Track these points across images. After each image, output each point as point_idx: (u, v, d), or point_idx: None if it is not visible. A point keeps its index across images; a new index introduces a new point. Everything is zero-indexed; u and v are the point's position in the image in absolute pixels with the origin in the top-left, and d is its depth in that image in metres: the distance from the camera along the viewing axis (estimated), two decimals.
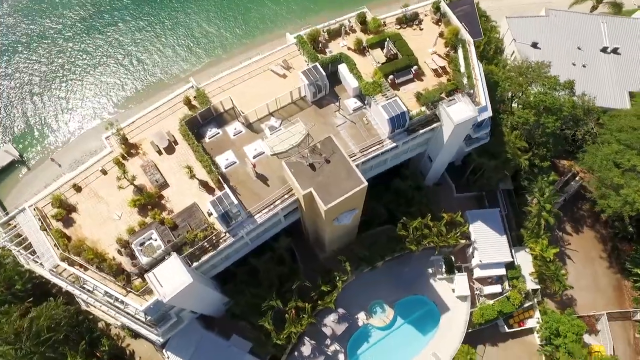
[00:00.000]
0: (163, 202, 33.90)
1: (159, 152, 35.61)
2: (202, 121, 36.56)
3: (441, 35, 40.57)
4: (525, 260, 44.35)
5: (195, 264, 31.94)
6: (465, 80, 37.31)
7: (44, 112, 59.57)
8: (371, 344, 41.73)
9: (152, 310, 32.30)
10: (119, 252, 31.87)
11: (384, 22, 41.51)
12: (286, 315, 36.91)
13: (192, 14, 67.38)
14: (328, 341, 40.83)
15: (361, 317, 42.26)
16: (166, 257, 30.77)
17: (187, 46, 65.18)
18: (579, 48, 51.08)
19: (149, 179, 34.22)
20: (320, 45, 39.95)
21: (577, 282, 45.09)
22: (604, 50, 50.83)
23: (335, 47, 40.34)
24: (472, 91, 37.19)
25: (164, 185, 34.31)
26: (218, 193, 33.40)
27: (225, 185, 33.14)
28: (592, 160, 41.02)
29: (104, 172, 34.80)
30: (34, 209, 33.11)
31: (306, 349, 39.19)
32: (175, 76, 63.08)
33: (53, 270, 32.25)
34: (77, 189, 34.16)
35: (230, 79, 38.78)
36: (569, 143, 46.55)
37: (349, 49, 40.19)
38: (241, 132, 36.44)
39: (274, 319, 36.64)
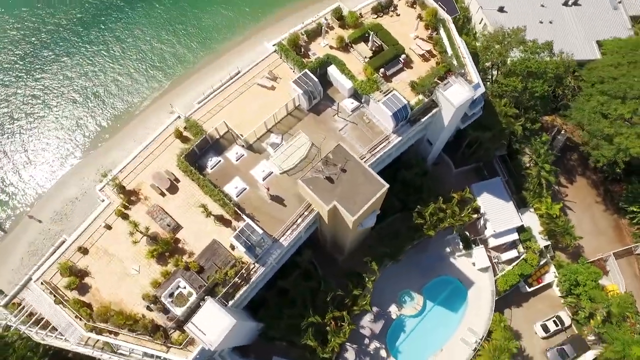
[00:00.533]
0: (180, 245, 32.31)
1: (162, 194, 33.68)
2: (199, 152, 34.78)
3: (420, 18, 40.31)
4: (532, 220, 46.28)
5: (231, 302, 30.86)
6: (455, 62, 37.38)
7: (2, 169, 54.59)
8: (408, 333, 42.54)
9: None
10: (148, 308, 30.23)
11: (360, 14, 40.66)
12: (327, 327, 36.72)
13: (141, 35, 62.81)
14: (367, 341, 41.21)
15: (393, 310, 42.82)
16: (201, 303, 29.50)
17: (144, 69, 61.15)
18: (542, 5, 52.51)
19: (160, 225, 32.43)
20: (302, 49, 38.64)
21: (580, 230, 47.52)
22: (566, 3, 52.55)
23: (317, 48, 39.26)
24: (463, 70, 37.43)
25: (177, 227, 32.63)
26: (236, 224, 32.41)
27: (243, 216, 31.96)
28: (580, 115, 42.86)
29: (109, 227, 32.60)
30: (42, 283, 30.61)
31: (350, 355, 39.47)
32: (139, 103, 59.37)
33: (80, 343, 30.18)
34: (84, 251, 31.89)
35: (218, 101, 37.04)
36: (550, 100, 48.29)
37: (331, 47, 39.21)
38: (243, 155, 35.04)
39: (314, 333, 36.37)
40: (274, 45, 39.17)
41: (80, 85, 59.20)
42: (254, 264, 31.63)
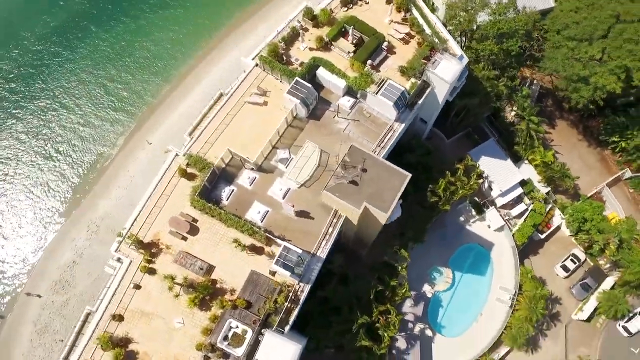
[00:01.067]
0: (219, 285, 31.31)
1: (184, 238, 32.35)
2: (210, 186, 33.48)
3: (390, 1, 40.49)
4: (529, 171, 48.59)
5: (287, 328, 30.38)
6: (435, 39, 38.00)
7: None
8: (446, 307, 43.88)
9: None
10: (206, 357, 29.17)
11: (331, 10, 40.25)
12: (376, 324, 37.12)
13: (90, 78, 57.81)
14: (411, 325, 42.09)
15: (427, 289, 43.86)
16: (260, 338, 28.85)
17: (105, 113, 56.91)
18: None
19: (191, 270, 31.19)
20: (283, 57, 37.83)
21: (572, 169, 50.48)
22: None
23: (298, 53, 38.63)
24: (445, 45, 38.15)
25: (210, 268, 31.55)
26: (269, 250, 31.86)
27: (276, 240, 31.35)
28: (554, 64, 45.09)
29: (137, 287, 31.01)
30: None
31: (401, 343, 40.20)
32: (111, 148, 55.67)
33: None
34: (119, 318, 30.20)
35: (212, 129, 35.62)
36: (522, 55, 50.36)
37: (311, 49, 38.71)
38: (255, 178, 34.17)
39: (365, 333, 36.70)
40: (253, 60, 38.15)
41: (38, 147, 54.87)
42: (298, 283, 31.21)
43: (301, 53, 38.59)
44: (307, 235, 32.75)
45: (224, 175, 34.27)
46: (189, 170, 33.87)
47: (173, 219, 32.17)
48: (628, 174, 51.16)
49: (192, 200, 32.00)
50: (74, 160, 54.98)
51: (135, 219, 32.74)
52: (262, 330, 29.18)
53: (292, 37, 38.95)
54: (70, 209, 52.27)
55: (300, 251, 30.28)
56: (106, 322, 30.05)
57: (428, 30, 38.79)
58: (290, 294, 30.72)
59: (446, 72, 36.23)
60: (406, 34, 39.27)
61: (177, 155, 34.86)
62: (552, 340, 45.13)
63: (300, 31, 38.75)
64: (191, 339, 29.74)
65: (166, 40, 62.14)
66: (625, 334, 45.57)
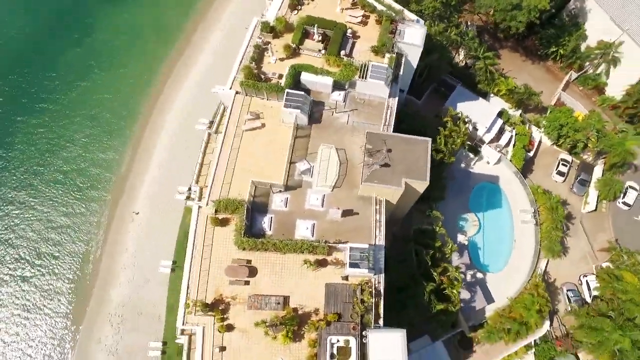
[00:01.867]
0: (301, 311, 30.93)
1: (246, 283, 31.54)
2: (248, 222, 32.80)
3: None
4: (499, 102, 52.95)
5: (381, 321, 30.98)
6: (390, 11, 40.03)
7: None
8: (484, 247, 46.79)
9: None
10: None
11: (282, 16, 40.73)
12: (442, 287, 38.87)
13: (39, 170, 54.06)
14: (464, 275, 44.44)
15: (461, 238, 46.44)
16: (364, 340, 29.22)
17: (73, 200, 53.16)
18: None
19: (269, 309, 30.55)
20: (261, 76, 37.79)
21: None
22: None
23: (270, 67, 38.84)
24: (402, 15, 40.36)
25: (285, 299, 31.12)
26: (331, 258, 32.14)
27: (337, 246, 31.71)
28: (488, 1, 49.44)
29: (223, 349, 29.84)
30: None
31: (465, 294, 42.42)
32: (97, 233, 51.93)
33: None
34: None
35: (222, 169, 34.78)
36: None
37: (282, 59, 39.00)
38: (287, 198, 34.12)
39: (437, 298, 38.47)
40: (231, 89, 37.75)
41: (13, 259, 49.66)
42: (374, 276, 31.84)
43: (274, 66, 38.78)
44: (359, 231, 33.41)
45: (255, 207, 33.77)
46: (221, 216, 32.98)
47: (229, 268, 31.23)
48: (574, 75, 57.68)
49: (240, 243, 31.25)
50: (61, 261, 50.65)
51: (188, 287, 31.35)
52: (363, 333, 29.57)
53: (259, 54, 38.98)
54: (79, 313, 48.11)
55: (365, 246, 30.99)
56: None
57: (380, 7, 40.76)
58: (372, 289, 31.34)
59: (414, 38, 38.54)
60: (362, 16, 40.90)
61: (200, 207, 33.70)
62: (575, 238, 49.98)
63: (267, 46, 38.94)
64: None
65: (105, 107, 58.77)
66: (626, 208, 51.73)
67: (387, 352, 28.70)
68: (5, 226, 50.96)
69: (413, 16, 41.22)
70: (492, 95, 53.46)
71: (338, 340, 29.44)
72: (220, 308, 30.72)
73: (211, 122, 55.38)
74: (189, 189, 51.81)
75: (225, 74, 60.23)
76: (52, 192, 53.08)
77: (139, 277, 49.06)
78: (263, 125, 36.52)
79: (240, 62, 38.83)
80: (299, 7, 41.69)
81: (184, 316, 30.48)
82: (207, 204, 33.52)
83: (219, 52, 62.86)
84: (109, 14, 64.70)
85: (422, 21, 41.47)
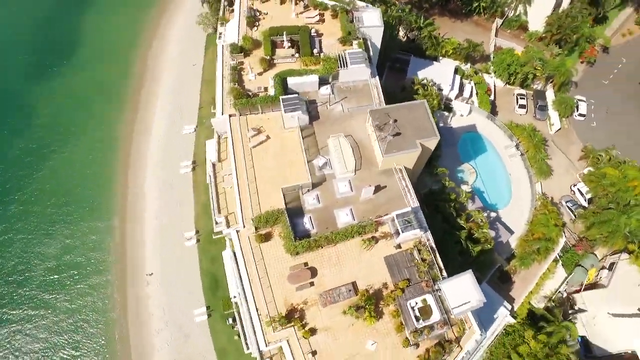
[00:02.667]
0: (372, 291, 31.97)
1: (311, 284, 32.07)
2: (297, 235, 33.16)
3: (282, 1, 44.22)
4: (450, 61, 58.10)
5: (444, 272, 32.92)
6: (344, 5, 43.08)
7: None
8: (487, 189, 50.68)
9: None
10: (418, 345, 30.20)
11: (245, 35, 42.27)
12: (471, 232, 41.87)
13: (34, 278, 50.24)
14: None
15: (465, 188, 49.91)
16: (439, 294, 31.03)
17: (78, 286, 49.73)
18: None
19: (343, 297, 31.29)
20: (248, 94, 38.83)
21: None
22: None
23: (252, 84, 40.02)
24: (353, 4, 43.58)
25: (354, 285, 32.04)
26: (379, 233, 33.72)
27: (381, 219, 33.39)
28: None
29: (314, 353, 30.06)
30: None
31: (490, 233, 45.64)
32: (111, 309, 48.99)
33: None
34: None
35: (245, 189, 35.11)
36: None
37: (260, 74, 40.40)
38: (317, 194, 35.29)
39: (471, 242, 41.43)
40: (223, 114, 38.44)
41: None
42: (423, 235, 33.79)
43: (255, 82, 40.04)
44: (393, 201, 35.36)
45: (292, 213, 34.45)
46: (264, 231, 33.37)
47: (291, 276, 31.67)
48: (499, 22, 64.77)
49: (293, 248, 31.91)
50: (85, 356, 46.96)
51: (257, 309, 31.23)
52: (434, 288, 31.35)
53: (237, 74, 40.02)
54: None
55: (407, 209, 33.00)
56: None
57: (331, 2, 43.70)
58: (426, 246, 33.31)
59: (373, 20, 41.92)
60: (318, 15, 43.53)
61: (238, 232, 33.79)
62: (554, 158, 55.60)
63: (242, 65, 40.15)
64: (394, 346, 30.37)
65: (76, 184, 55.91)
66: (582, 118, 58.64)
67: (464, 295, 30.66)
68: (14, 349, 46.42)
69: (362, 3, 44.64)
70: (441, 57, 58.51)
71: (417, 303, 30.98)
72: (296, 316, 30.96)
73: (194, 162, 55.43)
74: (197, 231, 51.56)
75: (189, 112, 60.61)
76: (48, 296, 49.06)
77: (177, 336, 46.94)
78: (268, 137, 37.51)
79: (222, 88, 39.58)
80: (257, 23, 43.45)
81: (264, 338, 30.28)
82: (243, 227, 33.73)
83: (173, 95, 62.46)
84: (44, 91, 62.01)
85: (371, 5, 45.02)
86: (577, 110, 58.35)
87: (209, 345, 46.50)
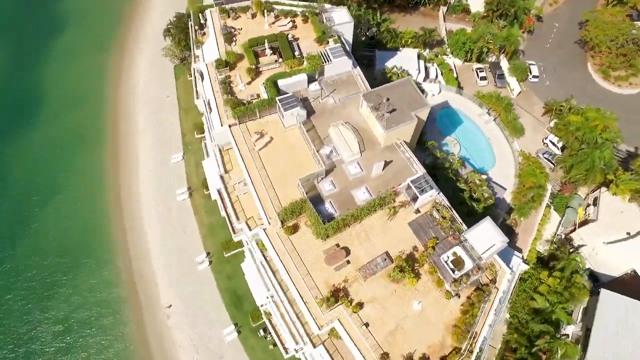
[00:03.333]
0: (401, 254, 33.83)
1: (347, 262, 33.51)
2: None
3: (253, 16, 46.76)
4: (410, 50, 62.69)
5: (464, 225, 35.44)
6: (312, 9, 46.19)
7: None
8: (473, 156, 54.36)
9: None
10: (458, 295, 32.23)
11: (227, 50, 44.17)
12: (472, 194, 45.07)
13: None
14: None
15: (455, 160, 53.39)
16: (465, 245, 33.40)
17: (92, 343, 48.00)
18: None
19: (382, 266, 33.01)
20: (244, 103, 40.40)
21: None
22: None
23: (243, 93, 41.66)
24: (321, 6, 46.84)
25: (387, 254, 33.78)
26: (397, 203, 35.87)
27: (398, 188, 35.66)
28: None
29: (367, 325, 31.29)
30: None
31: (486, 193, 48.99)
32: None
33: None
34: (386, 355, 30.17)
35: (261, 190, 36.35)
36: None
37: (249, 83, 42.23)
38: (331, 180, 37.12)
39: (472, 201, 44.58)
40: (223, 126, 39.72)
41: None
42: (438, 195, 36.29)
43: (246, 91, 41.72)
44: (401, 172, 37.77)
45: (312, 201, 35.86)
46: (290, 223, 34.60)
47: (328, 258, 33.00)
48: (444, 9, 70.71)
49: (323, 232, 33.37)
50: None
51: (302, 297, 32.11)
52: (462, 238, 33.73)
53: (228, 87, 41.56)
54: None
55: (418, 174, 35.54)
56: None
57: (299, 9, 46.70)
58: (443, 205, 35.80)
59: (343, 17, 45.40)
60: (289, 22, 46.26)
61: (265, 229, 34.78)
62: (522, 118, 60.39)
63: (231, 78, 41.85)
64: (438, 300, 32.30)
65: (70, 236, 54.30)
66: (536, 80, 64.64)
67: (488, 240, 33.25)
68: None
69: (328, 5, 48.02)
70: (402, 47, 62.99)
71: (448, 256, 33.15)
72: (341, 295, 32.13)
73: (189, 188, 55.62)
74: (208, 253, 51.47)
75: (173, 141, 60.87)
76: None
77: None
78: (271, 138, 39.11)
79: (216, 102, 40.94)
80: (234, 38, 45.48)
81: (316, 323, 31.12)
82: (269, 224, 34.79)
83: (152, 128, 62.46)
84: (16, 152, 60.17)
85: (336, 6, 48.51)
86: (531, 74, 64.38)
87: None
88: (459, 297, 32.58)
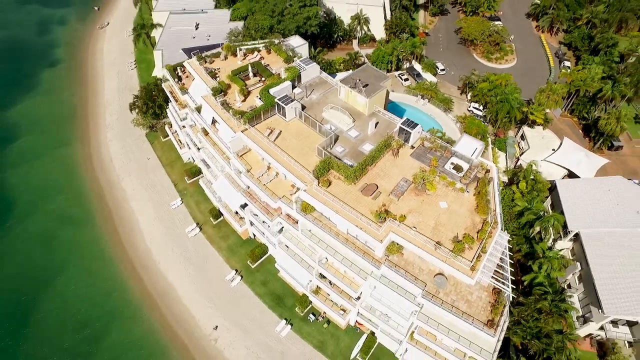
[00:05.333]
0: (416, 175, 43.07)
1: (379, 193, 41.59)
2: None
3: (226, 57, 57.35)
4: (345, 72, 77.46)
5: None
6: (270, 41, 58.29)
7: None
8: None
9: None
10: (464, 191, 41.96)
11: (216, 73, 53.54)
12: None
13: None
14: None
15: None
16: (456, 154, 44.09)
17: None
18: None
19: (404, 188, 41.53)
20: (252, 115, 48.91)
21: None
22: None
23: (243, 106, 50.29)
24: (279, 38, 59.17)
25: (405, 179, 42.70)
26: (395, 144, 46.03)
27: (392, 132, 45.96)
28: (289, 23, 74.00)
29: (414, 227, 38.98)
30: None
31: None
32: None
33: None
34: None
35: (288, 160, 43.88)
36: None
37: (243, 101, 51.30)
38: (340, 145, 46.13)
39: None
40: (236, 133, 47.51)
41: None
42: (422, 130, 47.07)
43: (243, 107, 50.45)
44: (387, 128, 48.19)
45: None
46: (324, 180, 42.20)
47: (364, 190, 40.98)
48: (356, 42, 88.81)
49: (352, 175, 41.53)
50: None
51: (358, 227, 38.98)
52: (452, 150, 44.32)
53: (227, 106, 49.93)
54: None
55: (404, 119, 46.44)
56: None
57: (260, 45, 58.54)
58: (427, 137, 46.66)
59: (299, 41, 57.91)
60: (257, 55, 57.51)
61: (305, 190, 41.82)
62: (455, 102, 76.94)
63: (228, 100, 50.51)
64: (455, 197, 41.39)
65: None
66: (443, 72, 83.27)
67: (471, 146, 44.40)
68: None
69: (280, 37, 60.73)
70: (337, 72, 77.65)
71: (449, 165, 43.23)
72: (387, 213, 39.68)
73: (197, 224, 59.86)
74: (236, 270, 55.06)
75: (167, 193, 65.04)
76: None
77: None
78: (280, 131, 47.55)
79: (222, 119, 48.85)
80: (216, 73, 54.89)
81: (377, 239, 37.97)
82: (305, 186, 42.02)
83: (143, 190, 65.77)
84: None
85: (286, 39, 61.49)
86: (439, 68, 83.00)
87: (307, 348, 48.80)
88: (469, 191, 42.13)
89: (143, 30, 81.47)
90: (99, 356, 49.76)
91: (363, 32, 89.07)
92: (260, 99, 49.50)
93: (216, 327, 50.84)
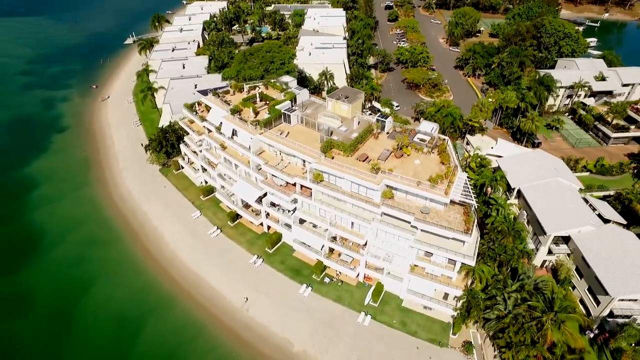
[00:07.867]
0: (390, 146, 59.20)
1: (369, 160, 56.97)
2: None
3: (234, 92, 74.23)
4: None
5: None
6: (269, 79, 76.47)
7: None
8: None
9: None
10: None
11: (229, 102, 69.22)
12: None
13: None
14: None
15: None
16: (420, 132, 61.38)
17: None
18: None
19: (387, 154, 57.31)
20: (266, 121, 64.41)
21: None
22: None
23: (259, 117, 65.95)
24: (273, 77, 77.50)
25: (388, 149, 58.63)
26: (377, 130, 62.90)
27: (372, 122, 62.89)
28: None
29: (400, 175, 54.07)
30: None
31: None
32: None
33: None
34: None
35: (299, 148, 58.87)
36: None
37: (255, 115, 67.06)
38: (335, 136, 62.03)
39: None
40: (253, 137, 62.44)
41: None
42: (393, 122, 64.36)
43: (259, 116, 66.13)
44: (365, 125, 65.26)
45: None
46: (328, 153, 56.98)
47: (360, 158, 56.01)
48: (324, 93, 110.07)
49: (348, 148, 56.90)
50: None
51: (360, 182, 53.39)
52: (416, 130, 61.50)
53: (243, 116, 65.28)
54: None
55: (377, 116, 63.78)
56: None
57: (259, 84, 76.35)
58: (397, 126, 63.85)
59: (289, 78, 76.36)
60: (260, 89, 74.83)
61: (313, 164, 56.25)
62: None
63: (243, 117, 66.06)
64: (425, 157, 57.31)
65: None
66: (398, 108, 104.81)
67: (429, 127, 61.93)
68: None
69: (274, 76, 79.12)
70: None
71: (418, 138, 59.95)
72: (379, 169, 54.48)
73: (217, 227, 71.09)
74: (257, 255, 65.36)
75: (187, 209, 75.88)
76: None
77: (300, 309, 56.85)
78: (288, 132, 62.94)
79: (242, 130, 63.84)
80: (228, 103, 70.92)
81: (375, 187, 52.26)
82: (315, 160, 56.57)
83: (164, 211, 76.08)
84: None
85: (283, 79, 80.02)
86: (394, 105, 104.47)
87: (328, 302, 58.72)
88: (434, 152, 58.29)
89: (149, 91, 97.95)
90: (144, 346, 55.75)
91: (330, 84, 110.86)
92: (269, 113, 65.55)
93: (246, 299, 59.65)
